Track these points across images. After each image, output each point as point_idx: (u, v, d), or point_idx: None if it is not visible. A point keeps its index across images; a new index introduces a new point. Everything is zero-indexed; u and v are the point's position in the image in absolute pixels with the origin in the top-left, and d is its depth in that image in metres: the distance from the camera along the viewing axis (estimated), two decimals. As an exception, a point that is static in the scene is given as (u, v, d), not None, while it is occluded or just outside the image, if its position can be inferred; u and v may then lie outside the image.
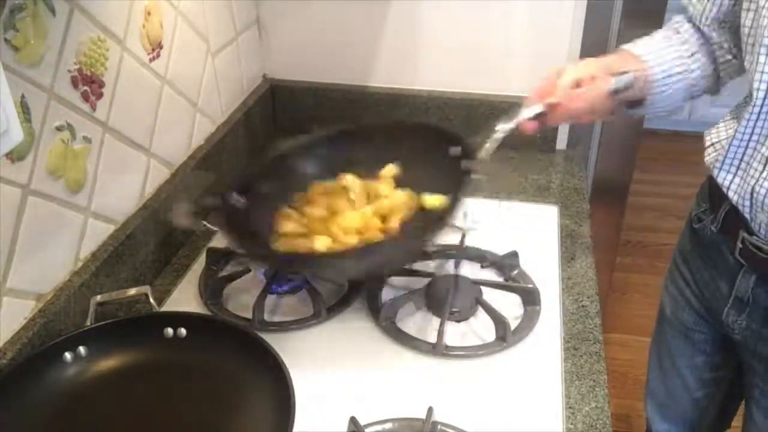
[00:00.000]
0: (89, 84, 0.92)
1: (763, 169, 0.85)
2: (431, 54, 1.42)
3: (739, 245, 0.94)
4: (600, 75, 0.93)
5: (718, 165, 0.92)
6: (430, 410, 0.81)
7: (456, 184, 0.95)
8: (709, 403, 1.22)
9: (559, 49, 1.35)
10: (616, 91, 0.93)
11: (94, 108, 0.93)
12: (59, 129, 0.87)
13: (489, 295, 1.02)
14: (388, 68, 1.45)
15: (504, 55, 1.38)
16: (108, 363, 0.87)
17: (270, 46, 1.49)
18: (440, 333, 0.93)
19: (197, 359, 0.87)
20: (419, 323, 0.99)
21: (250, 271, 1.08)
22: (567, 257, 1.13)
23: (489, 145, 0.96)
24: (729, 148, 0.89)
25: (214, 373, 0.85)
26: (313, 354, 0.94)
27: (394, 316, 0.99)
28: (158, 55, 1.08)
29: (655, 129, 3.18)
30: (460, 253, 1.09)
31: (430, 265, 1.10)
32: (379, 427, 0.82)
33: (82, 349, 0.86)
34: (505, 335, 0.94)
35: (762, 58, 0.82)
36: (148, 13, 1.04)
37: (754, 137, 0.86)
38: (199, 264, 1.12)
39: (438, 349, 0.93)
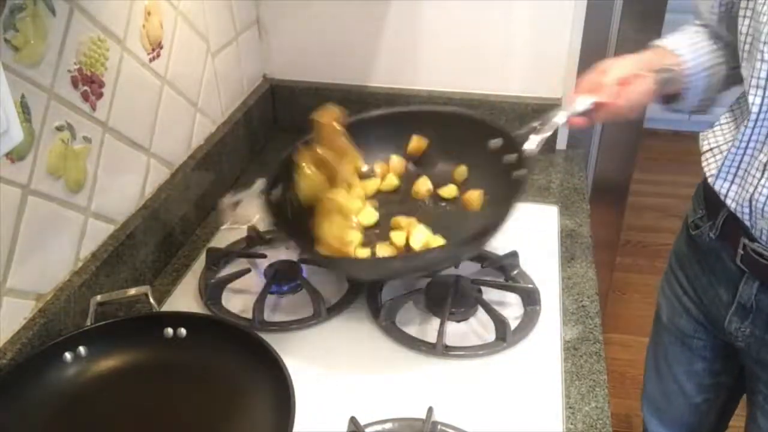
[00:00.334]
0: (89, 84, 0.92)
1: (762, 176, 0.84)
2: (431, 54, 1.42)
3: (741, 252, 0.93)
4: (642, 73, 0.93)
5: (714, 173, 0.91)
6: (430, 410, 0.81)
7: (503, 184, 0.98)
8: (709, 408, 1.22)
9: (559, 49, 1.35)
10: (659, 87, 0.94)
11: (94, 108, 0.93)
12: (59, 129, 0.87)
13: (489, 295, 1.02)
14: (388, 68, 1.45)
15: (504, 55, 1.38)
16: (108, 363, 0.87)
17: (270, 46, 1.49)
18: (440, 333, 0.93)
19: (197, 359, 0.87)
20: (419, 323, 0.99)
21: (250, 271, 1.08)
22: (567, 257, 1.13)
23: (539, 139, 0.97)
24: (726, 155, 0.88)
25: (214, 373, 0.85)
26: (313, 354, 0.94)
27: (394, 316, 0.99)
28: (158, 55, 1.08)
29: (655, 129, 3.18)
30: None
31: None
32: (379, 427, 0.82)
33: (82, 349, 0.86)
34: (505, 335, 0.94)
35: (759, 64, 0.81)
36: (148, 13, 1.04)
37: (751, 144, 0.86)
38: (199, 264, 1.12)
39: (438, 349, 0.93)
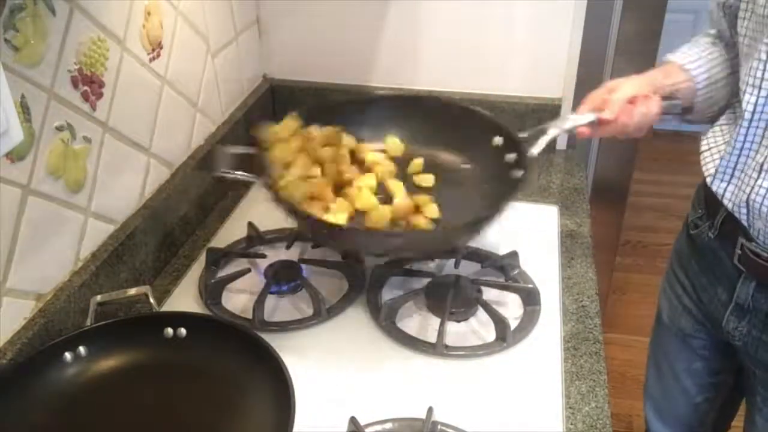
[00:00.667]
0: (89, 84, 0.92)
1: (758, 177, 0.84)
2: (431, 54, 1.42)
3: (738, 252, 0.93)
4: (651, 95, 0.95)
5: (712, 173, 0.91)
6: (430, 410, 0.81)
7: (502, 183, 0.98)
8: (710, 407, 1.22)
9: (559, 49, 1.35)
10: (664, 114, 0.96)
11: (94, 108, 0.93)
12: (59, 129, 0.87)
13: (489, 295, 1.02)
14: (388, 68, 1.45)
15: (504, 55, 1.38)
16: (108, 363, 0.87)
17: (270, 46, 1.49)
18: (440, 333, 0.93)
19: (197, 359, 0.87)
20: (419, 323, 0.99)
21: (250, 271, 1.08)
22: (567, 257, 1.13)
23: (540, 142, 0.98)
24: (723, 156, 0.89)
25: (214, 373, 0.85)
26: (313, 354, 0.94)
27: (394, 316, 0.99)
28: (158, 55, 1.08)
29: (655, 129, 3.16)
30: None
31: (430, 265, 1.10)
32: (379, 427, 0.82)
33: (82, 349, 0.86)
34: (505, 335, 0.94)
35: (755, 63, 0.81)
36: (148, 13, 1.04)
37: (747, 145, 0.86)
38: (199, 264, 1.12)
39: (438, 349, 0.93)
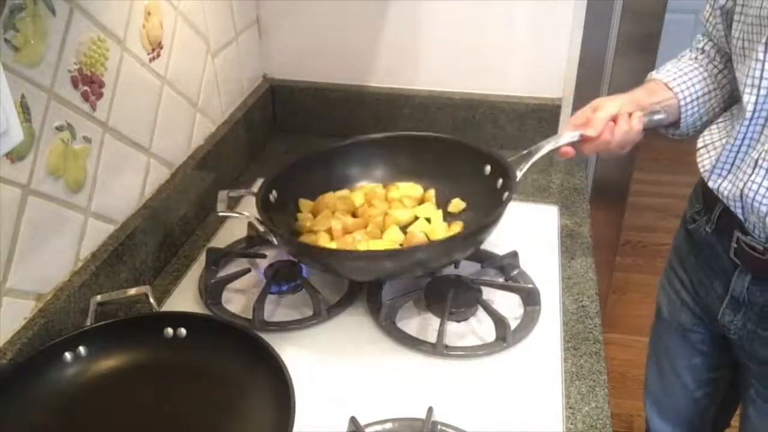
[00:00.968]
0: (89, 84, 0.92)
1: (752, 172, 0.86)
2: (431, 54, 1.42)
3: (734, 245, 0.94)
4: (634, 113, 0.98)
5: (708, 169, 0.93)
6: (430, 410, 0.81)
7: (492, 205, 1.01)
8: (709, 402, 1.23)
9: (559, 49, 1.36)
10: (646, 129, 0.99)
11: (94, 108, 0.93)
12: (59, 129, 0.87)
13: (489, 295, 1.02)
14: (388, 68, 1.45)
15: (504, 55, 1.38)
16: (108, 363, 0.87)
17: (270, 46, 1.49)
18: (440, 333, 0.93)
19: (197, 359, 0.87)
20: (419, 323, 0.99)
21: (250, 271, 1.08)
22: (567, 257, 1.13)
23: (524, 167, 1.02)
24: (721, 152, 0.90)
25: (214, 373, 0.85)
26: (313, 354, 0.94)
27: (394, 316, 0.99)
28: (158, 55, 1.08)
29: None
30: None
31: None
32: (379, 427, 0.82)
33: (82, 349, 0.86)
34: (506, 335, 0.94)
35: (754, 63, 0.83)
36: (148, 13, 1.04)
37: (746, 142, 0.88)
38: (199, 264, 1.12)
39: (438, 349, 0.93)
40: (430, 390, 0.88)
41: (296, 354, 0.92)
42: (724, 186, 0.91)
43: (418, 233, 1.04)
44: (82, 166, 0.93)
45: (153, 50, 1.06)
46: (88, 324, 0.89)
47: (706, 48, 1.04)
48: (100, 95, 0.94)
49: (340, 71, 1.47)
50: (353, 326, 0.99)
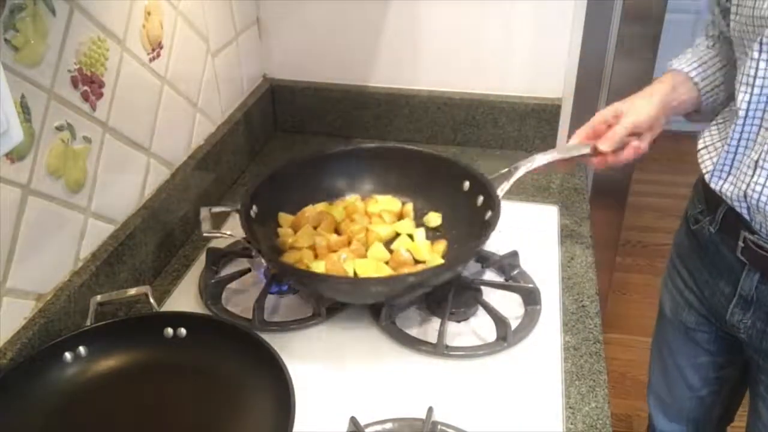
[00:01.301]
0: (89, 84, 0.92)
1: (753, 173, 0.85)
2: (431, 54, 1.42)
3: (741, 245, 0.94)
4: (650, 132, 0.99)
5: (710, 170, 0.93)
6: (430, 410, 0.81)
7: (474, 223, 1.02)
8: (715, 400, 1.23)
9: (559, 49, 1.36)
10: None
11: (94, 108, 0.93)
12: (59, 129, 0.87)
13: (489, 295, 1.02)
14: (388, 68, 1.45)
15: (504, 55, 1.38)
16: (108, 363, 0.87)
17: (270, 46, 1.49)
18: (440, 333, 0.93)
19: (197, 359, 0.87)
20: (419, 323, 0.99)
21: (250, 271, 1.08)
22: (567, 257, 1.13)
23: (507, 185, 1.02)
24: (720, 153, 0.90)
25: (214, 373, 0.85)
26: (313, 354, 0.94)
27: (395, 317, 0.99)
28: (158, 55, 1.08)
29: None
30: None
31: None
32: (379, 427, 0.81)
33: (82, 349, 0.86)
34: (506, 335, 0.94)
35: (748, 62, 0.83)
36: (148, 13, 1.04)
37: (742, 143, 0.87)
38: (199, 264, 1.12)
39: (438, 349, 0.93)
40: (430, 390, 0.88)
41: (296, 354, 0.92)
42: (726, 187, 0.91)
43: (404, 252, 1.04)
44: (82, 166, 0.93)
45: (153, 50, 1.06)
46: (88, 324, 0.89)
47: (716, 35, 1.03)
48: (100, 95, 0.94)
49: (340, 71, 1.47)
50: (353, 326, 0.99)
